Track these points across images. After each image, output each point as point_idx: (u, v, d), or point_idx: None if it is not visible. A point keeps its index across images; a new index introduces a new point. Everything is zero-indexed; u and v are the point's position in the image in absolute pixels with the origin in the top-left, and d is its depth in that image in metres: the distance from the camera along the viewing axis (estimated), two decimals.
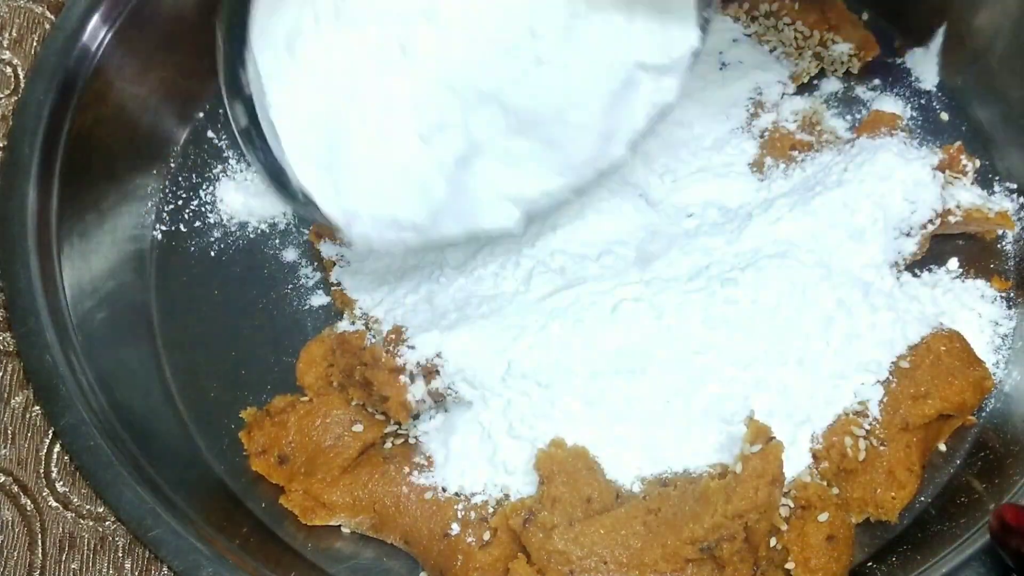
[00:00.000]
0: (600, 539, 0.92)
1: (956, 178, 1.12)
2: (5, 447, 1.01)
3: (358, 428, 1.02)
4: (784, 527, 0.94)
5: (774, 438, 0.92)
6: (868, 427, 0.98)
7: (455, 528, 0.97)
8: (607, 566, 0.91)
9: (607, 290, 0.98)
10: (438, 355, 0.98)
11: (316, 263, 1.16)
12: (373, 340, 1.02)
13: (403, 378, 0.99)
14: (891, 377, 1.00)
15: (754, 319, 0.97)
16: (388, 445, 1.03)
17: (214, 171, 1.20)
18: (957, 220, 1.08)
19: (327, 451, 1.01)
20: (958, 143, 1.15)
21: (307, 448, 1.02)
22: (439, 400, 1.00)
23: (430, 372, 0.99)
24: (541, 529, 0.92)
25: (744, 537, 0.91)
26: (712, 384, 0.95)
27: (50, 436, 1.01)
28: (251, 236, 1.18)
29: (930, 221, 1.06)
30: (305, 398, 1.05)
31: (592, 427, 0.96)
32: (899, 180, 1.05)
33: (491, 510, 0.97)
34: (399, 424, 1.02)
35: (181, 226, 1.18)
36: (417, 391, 0.99)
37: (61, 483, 1.00)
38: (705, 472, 0.94)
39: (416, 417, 1.02)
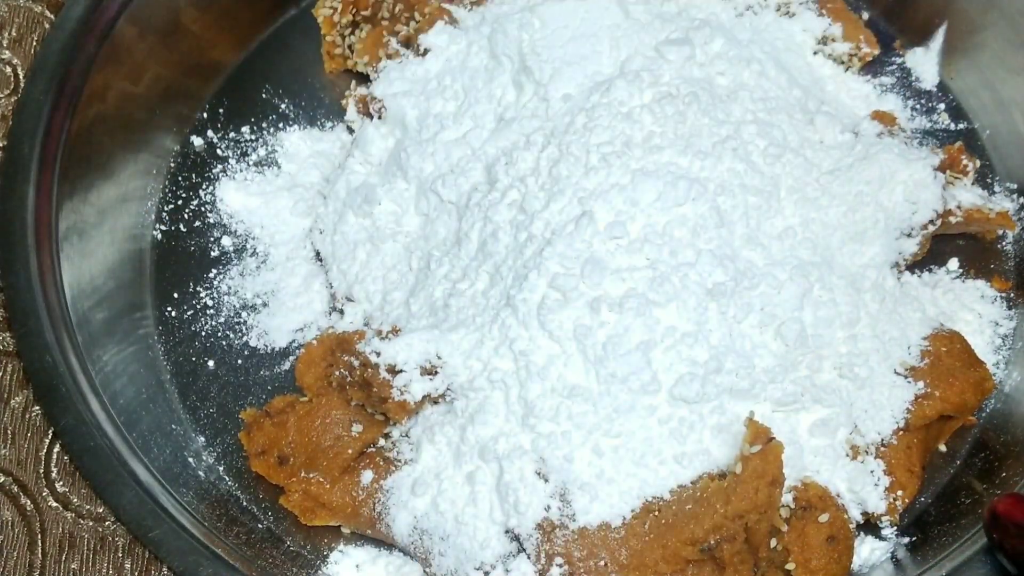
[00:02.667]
0: (600, 539, 0.92)
1: (957, 178, 1.12)
2: (5, 447, 1.01)
3: (357, 428, 1.02)
4: (784, 528, 0.94)
5: (774, 439, 0.92)
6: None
7: None
8: (607, 567, 0.91)
9: (607, 295, 0.98)
10: (438, 356, 0.98)
11: (317, 263, 1.16)
12: (373, 341, 1.02)
13: (402, 379, 0.99)
14: (893, 378, 1.00)
15: (757, 323, 0.96)
16: (388, 445, 1.03)
17: (214, 171, 1.20)
18: (958, 220, 1.08)
19: (327, 451, 1.01)
20: (959, 143, 1.15)
21: (307, 448, 1.02)
22: (438, 401, 1.00)
23: (429, 372, 0.99)
24: (540, 530, 0.92)
25: (744, 538, 0.91)
26: (714, 392, 0.94)
27: (50, 436, 1.01)
28: (251, 236, 1.17)
29: (931, 222, 1.06)
30: (305, 398, 1.05)
31: (587, 431, 0.94)
32: (900, 181, 1.05)
33: None
34: (399, 424, 1.02)
35: (181, 226, 1.18)
36: (416, 392, 0.99)
37: (61, 483, 1.00)
38: (704, 474, 0.94)
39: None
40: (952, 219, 1.08)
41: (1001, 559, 0.86)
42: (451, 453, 0.98)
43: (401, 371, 0.98)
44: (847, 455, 0.97)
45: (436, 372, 0.98)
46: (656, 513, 0.92)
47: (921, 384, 0.99)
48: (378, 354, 0.99)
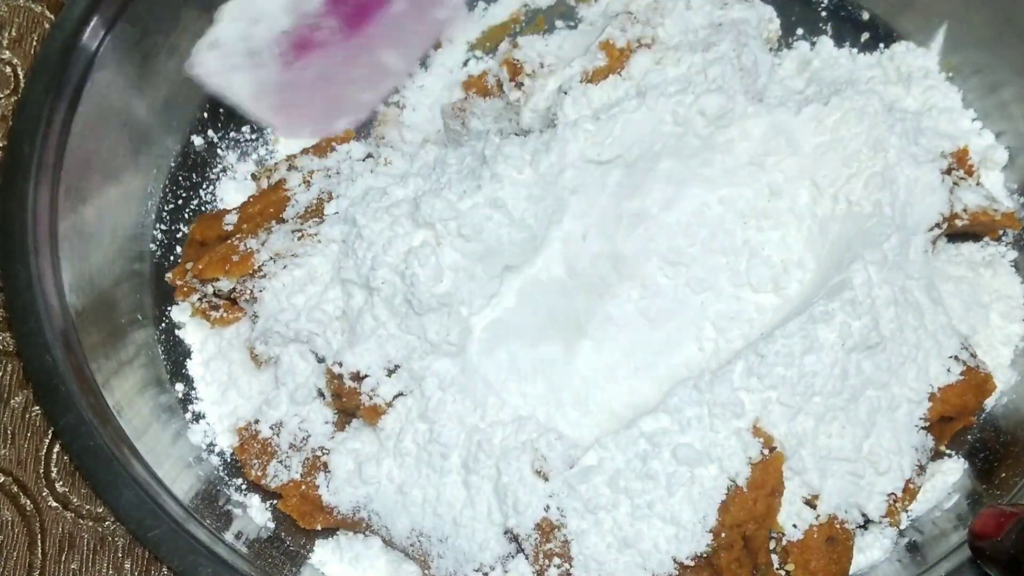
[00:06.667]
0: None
1: (963, 179, 1.11)
2: (5, 447, 1.01)
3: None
4: (785, 531, 0.94)
5: (776, 448, 0.92)
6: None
7: None
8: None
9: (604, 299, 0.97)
10: (408, 357, 0.97)
11: None
12: (338, 351, 0.99)
13: (368, 383, 0.97)
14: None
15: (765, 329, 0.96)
16: None
17: (214, 171, 1.20)
18: (964, 223, 1.07)
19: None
20: (964, 144, 1.14)
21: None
22: (405, 395, 0.98)
23: (394, 372, 0.98)
24: (539, 530, 0.92)
25: (743, 545, 0.91)
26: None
27: (50, 436, 1.01)
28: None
29: (937, 225, 1.05)
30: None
31: (559, 390, 0.95)
32: (908, 183, 1.03)
33: None
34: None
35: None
36: (386, 393, 0.97)
37: (61, 483, 1.00)
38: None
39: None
40: (958, 222, 1.07)
41: (988, 570, 0.87)
42: (426, 458, 0.97)
43: (366, 376, 0.97)
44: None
45: (396, 368, 0.97)
46: None
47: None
48: (340, 364, 0.97)
